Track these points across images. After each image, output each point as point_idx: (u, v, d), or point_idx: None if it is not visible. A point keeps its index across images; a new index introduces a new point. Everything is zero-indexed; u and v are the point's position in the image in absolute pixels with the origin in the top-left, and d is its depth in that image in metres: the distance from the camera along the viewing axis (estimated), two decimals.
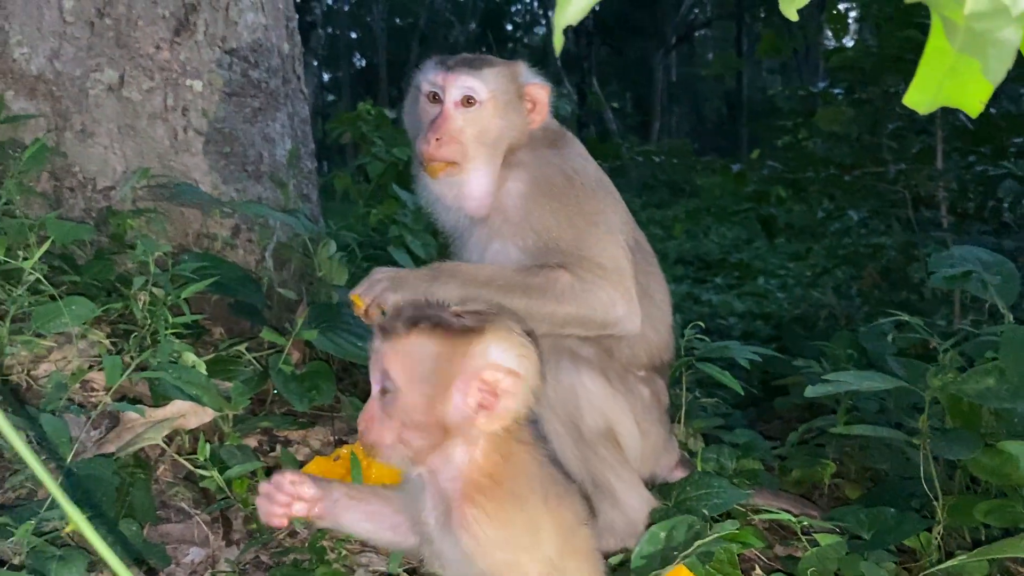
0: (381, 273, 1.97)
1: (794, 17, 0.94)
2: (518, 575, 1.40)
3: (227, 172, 2.93)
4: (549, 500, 1.46)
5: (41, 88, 2.73)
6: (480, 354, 1.33)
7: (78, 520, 0.81)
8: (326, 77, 33.08)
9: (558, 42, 0.73)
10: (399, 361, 1.36)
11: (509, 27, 34.95)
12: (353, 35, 33.89)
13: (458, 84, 2.07)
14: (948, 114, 4.72)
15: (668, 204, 15.17)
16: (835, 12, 4.86)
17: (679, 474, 2.29)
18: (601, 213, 2.09)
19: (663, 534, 1.46)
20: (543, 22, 34.78)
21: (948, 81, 0.69)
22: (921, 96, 0.71)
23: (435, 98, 2.10)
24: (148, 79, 2.81)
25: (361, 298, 1.91)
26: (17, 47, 2.71)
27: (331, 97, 31.72)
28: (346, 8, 32.86)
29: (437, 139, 2.04)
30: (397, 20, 31.74)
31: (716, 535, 1.46)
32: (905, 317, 2.21)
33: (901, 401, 2.56)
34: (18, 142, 2.69)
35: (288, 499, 1.51)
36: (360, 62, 35.30)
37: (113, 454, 1.96)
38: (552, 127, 2.22)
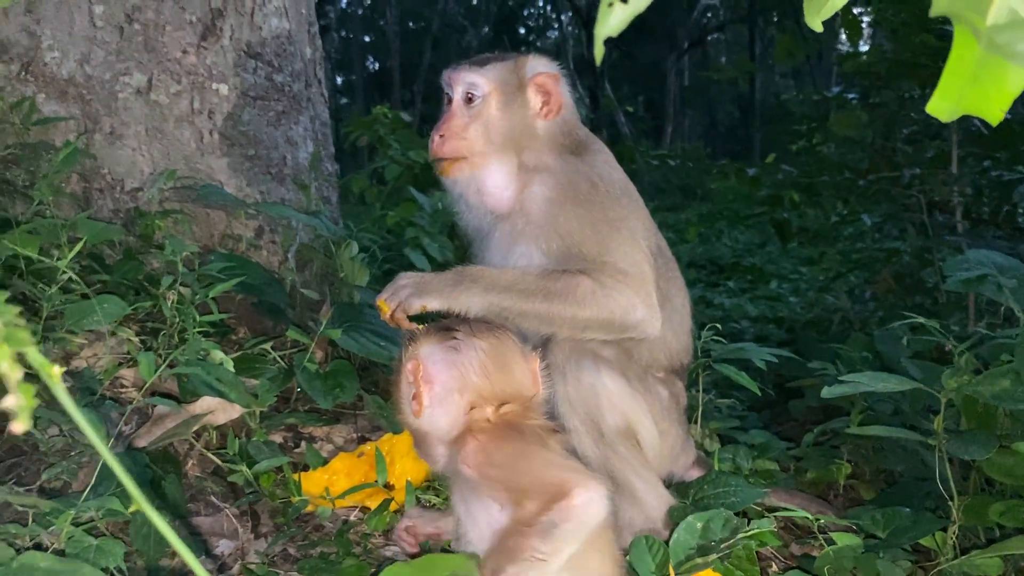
0: (406, 278, 2.01)
1: (819, 28, 0.97)
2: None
3: (251, 174, 2.99)
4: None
5: (71, 91, 2.79)
6: (405, 356, 1.57)
7: (144, 507, 0.85)
8: (339, 81, 33.22)
9: (599, 52, 0.77)
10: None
11: (522, 31, 35.03)
12: (366, 39, 34.04)
13: (461, 81, 2.12)
14: (963, 119, 4.73)
15: (680, 208, 15.18)
16: (850, 17, 4.88)
17: (696, 473, 2.32)
18: (624, 220, 2.12)
19: (700, 524, 1.49)
20: (556, 26, 34.85)
21: (970, 89, 0.72)
22: (944, 104, 0.74)
23: (449, 99, 2.15)
24: (175, 83, 2.87)
25: (387, 303, 1.95)
26: (48, 51, 2.77)
27: (344, 100, 31.86)
28: (359, 12, 33.02)
29: (441, 136, 2.10)
30: (410, 24, 31.86)
31: (753, 531, 1.49)
32: (920, 319, 2.23)
33: (916, 403, 2.59)
34: (48, 144, 2.75)
35: (414, 537, 1.89)
36: (373, 66, 35.46)
37: (144, 448, 2.01)
38: (578, 133, 2.23)
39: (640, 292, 2.05)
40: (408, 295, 1.95)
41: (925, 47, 4.49)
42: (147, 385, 1.86)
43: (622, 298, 2.02)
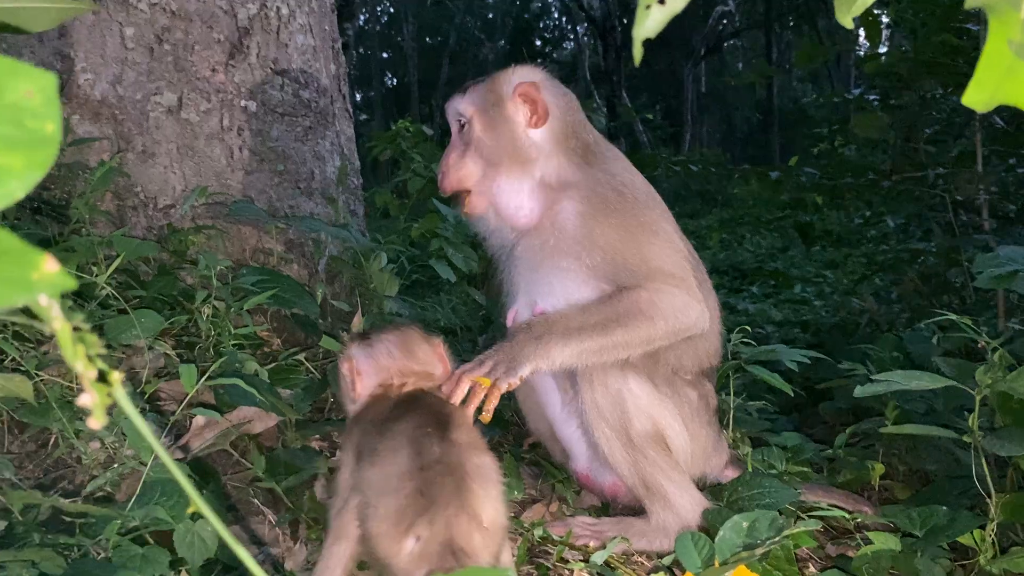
0: (489, 359, 1.98)
1: (849, 25, 0.99)
2: None
3: (281, 189, 3.03)
4: None
5: (104, 112, 2.85)
6: (341, 362, 1.90)
7: (203, 509, 0.88)
8: (358, 97, 33.49)
9: (638, 54, 0.79)
10: None
11: (538, 43, 35.16)
12: (384, 55, 34.35)
13: (451, 111, 2.17)
14: (985, 117, 4.70)
15: (701, 215, 15.14)
16: (870, 18, 4.87)
17: (730, 474, 2.32)
18: (657, 222, 2.13)
19: (746, 524, 1.50)
20: (571, 37, 34.95)
21: (1006, 80, 0.74)
22: (979, 95, 0.75)
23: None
24: (205, 101, 2.92)
25: (487, 379, 1.94)
26: (82, 73, 2.83)
27: (363, 117, 32.10)
28: (377, 29, 33.33)
29: (442, 172, 2.14)
30: (427, 39, 32.12)
31: (797, 530, 1.50)
32: (952, 316, 2.23)
33: (950, 402, 2.57)
34: (83, 164, 2.81)
35: None
36: (391, 81, 35.77)
37: (184, 459, 2.04)
38: (585, 137, 2.22)
39: (690, 290, 2.08)
40: (504, 372, 1.94)
41: (946, 46, 4.47)
42: (188, 397, 1.89)
43: (677, 301, 2.04)
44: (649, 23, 0.79)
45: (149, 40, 2.87)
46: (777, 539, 1.42)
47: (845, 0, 0.95)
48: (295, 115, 3.09)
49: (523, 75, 2.16)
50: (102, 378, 0.62)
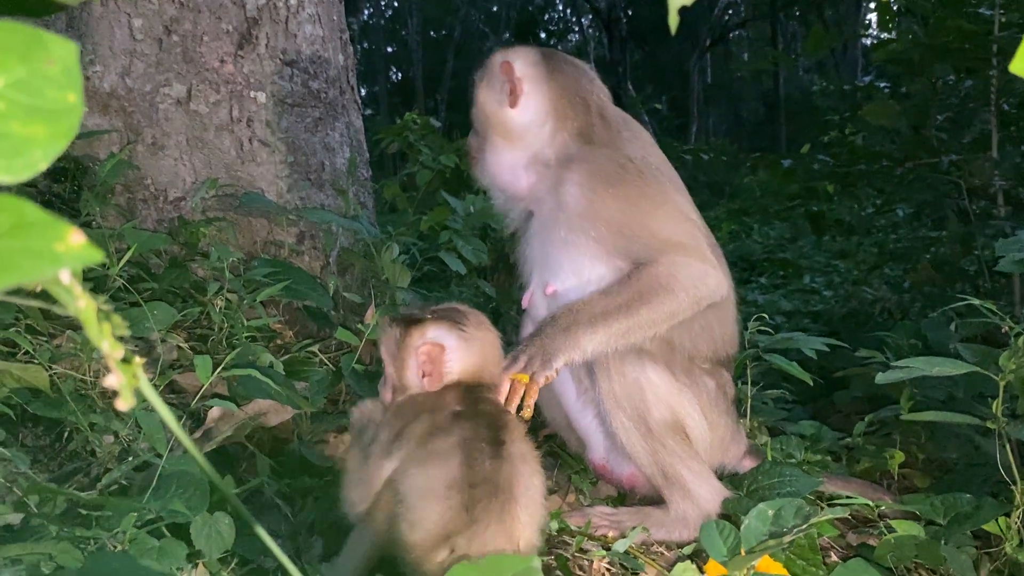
0: (523, 353, 1.97)
1: None
2: None
3: (291, 181, 3.01)
4: None
5: (113, 104, 2.83)
6: (418, 335, 1.70)
7: (233, 500, 0.86)
8: (363, 92, 33.46)
9: (674, 22, 0.76)
10: (383, 346, 1.76)
11: (543, 35, 35.08)
12: (389, 49, 34.32)
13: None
14: (999, 102, 4.65)
15: (709, 205, 15.08)
16: (884, 3, 4.82)
17: (748, 464, 2.30)
18: (663, 194, 2.09)
19: (771, 512, 1.48)
20: (576, 29, 34.87)
21: None
22: None
23: None
24: (214, 92, 2.90)
25: (523, 375, 1.92)
26: (90, 65, 2.82)
27: (368, 111, 32.09)
28: (381, 23, 33.29)
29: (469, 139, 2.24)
30: (432, 33, 32.07)
31: (824, 517, 1.47)
32: (973, 301, 2.19)
33: (971, 389, 2.54)
34: (93, 157, 2.79)
35: None
36: (396, 76, 35.75)
37: (202, 450, 2.03)
38: (592, 120, 2.17)
39: (704, 258, 2.06)
40: (540, 366, 1.93)
41: (959, 32, 4.42)
42: (203, 388, 1.87)
43: (695, 270, 2.03)
44: None
45: (158, 31, 2.85)
46: (804, 527, 1.40)
47: None
48: (304, 106, 3.07)
49: (508, 54, 2.16)
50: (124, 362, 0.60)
